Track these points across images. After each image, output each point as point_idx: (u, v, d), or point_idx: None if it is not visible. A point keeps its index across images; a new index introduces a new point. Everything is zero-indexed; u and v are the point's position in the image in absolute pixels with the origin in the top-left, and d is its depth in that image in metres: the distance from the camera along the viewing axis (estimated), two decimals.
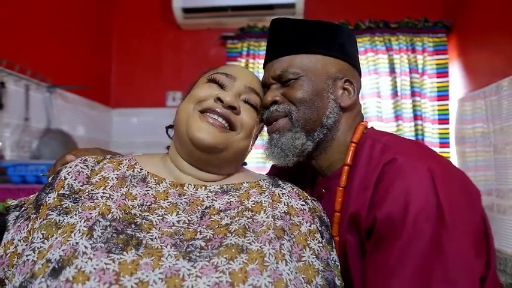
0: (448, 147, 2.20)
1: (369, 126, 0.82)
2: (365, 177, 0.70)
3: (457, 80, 2.19)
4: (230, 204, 0.67)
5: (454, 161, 2.18)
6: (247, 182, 0.72)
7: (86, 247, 0.54)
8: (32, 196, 0.71)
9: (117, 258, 0.53)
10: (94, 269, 0.51)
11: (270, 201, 0.68)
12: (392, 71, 2.26)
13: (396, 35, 2.26)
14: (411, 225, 0.59)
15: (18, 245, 0.62)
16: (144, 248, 0.56)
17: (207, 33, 2.51)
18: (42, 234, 0.59)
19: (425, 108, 2.24)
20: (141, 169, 0.71)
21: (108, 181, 0.67)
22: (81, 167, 0.69)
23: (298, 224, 0.66)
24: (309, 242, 0.64)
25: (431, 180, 0.62)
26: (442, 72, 2.26)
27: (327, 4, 2.39)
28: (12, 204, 0.70)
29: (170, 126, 0.81)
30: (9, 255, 0.61)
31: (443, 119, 2.23)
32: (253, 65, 2.34)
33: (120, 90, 2.58)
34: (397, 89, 2.25)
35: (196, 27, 2.49)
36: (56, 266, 0.52)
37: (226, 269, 0.54)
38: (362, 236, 0.67)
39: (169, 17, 2.45)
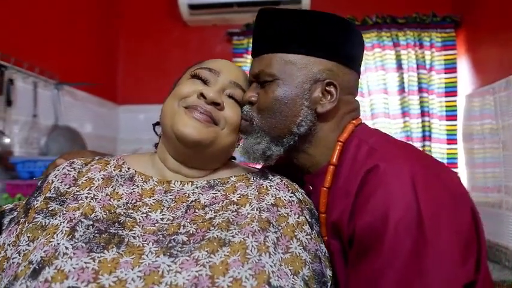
0: (456, 143, 2.18)
1: (362, 123, 0.77)
2: (347, 182, 0.67)
3: (465, 76, 2.16)
4: (215, 199, 0.66)
5: (462, 158, 2.16)
6: (234, 176, 0.72)
7: (66, 247, 0.54)
8: (24, 200, 0.71)
9: (97, 257, 0.53)
10: (73, 268, 0.51)
11: (257, 193, 0.67)
12: (399, 67, 2.24)
13: (404, 31, 2.24)
14: (391, 237, 0.57)
15: (7, 250, 0.62)
16: (125, 246, 0.56)
17: (212, 29, 2.51)
18: (28, 237, 0.60)
19: (432, 104, 2.22)
20: (128, 168, 0.71)
21: (94, 182, 0.67)
22: (68, 170, 0.69)
23: (286, 215, 0.65)
24: (296, 234, 0.63)
25: (412, 187, 0.59)
26: (450, 68, 2.23)
27: (336, 5, 2.38)
28: (7, 208, 0.70)
29: (157, 123, 0.81)
30: (0, 259, 0.62)
31: (451, 116, 2.20)
32: None
33: (126, 87, 2.60)
34: (404, 85, 2.23)
35: (202, 24, 2.49)
36: (37, 267, 0.52)
37: (206, 262, 0.53)
38: (344, 243, 0.66)
39: (175, 13, 2.45)
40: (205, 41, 2.54)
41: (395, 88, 2.25)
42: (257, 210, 0.63)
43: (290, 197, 0.69)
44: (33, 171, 1.52)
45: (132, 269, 0.52)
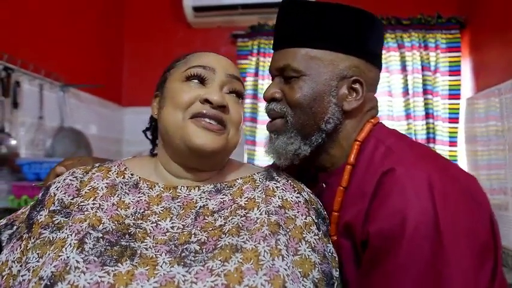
0: (456, 146, 2.17)
1: (379, 122, 0.76)
2: (363, 182, 0.66)
3: (469, 77, 2.15)
4: (223, 204, 0.65)
5: (463, 160, 2.15)
6: (241, 178, 0.70)
7: (77, 261, 0.53)
8: (20, 212, 0.69)
9: (112, 271, 0.52)
10: (88, 283, 0.50)
11: (264, 196, 0.66)
12: (403, 68, 2.23)
13: (408, 32, 2.23)
14: (408, 243, 0.56)
15: (12, 266, 0.61)
16: (138, 258, 0.55)
17: (217, 31, 2.51)
18: (38, 254, 0.58)
19: (437, 106, 2.21)
20: (132, 174, 0.69)
21: (98, 191, 0.65)
22: (70, 180, 0.67)
23: (293, 217, 0.64)
24: (304, 235, 0.62)
25: (429, 192, 0.58)
26: (455, 70, 2.22)
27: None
28: (2, 224, 0.68)
29: (147, 129, 0.80)
30: (5, 277, 0.61)
31: (453, 118, 2.19)
32: (263, 63, 2.34)
33: (131, 89, 2.61)
34: (408, 87, 2.22)
35: (206, 26, 2.50)
36: (48, 283, 0.51)
37: (221, 271, 0.53)
38: (357, 244, 0.65)
39: (180, 15, 2.46)
40: (209, 42, 2.55)
41: (400, 90, 2.24)
42: (265, 213, 0.62)
43: (296, 197, 0.67)
44: (39, 173, 1.53)
45: (148, 280, 0.52)
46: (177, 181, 0.69)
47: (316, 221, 0.66)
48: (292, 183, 0.71)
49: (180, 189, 0.67)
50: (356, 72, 0.71)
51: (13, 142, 1.56)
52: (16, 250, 0.61)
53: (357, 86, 0.71)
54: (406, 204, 0.58)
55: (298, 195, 0.68)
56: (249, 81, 2.38)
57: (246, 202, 0.65)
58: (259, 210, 0.63)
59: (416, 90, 2.22)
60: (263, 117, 2.37)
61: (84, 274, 0.51)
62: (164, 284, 0.51)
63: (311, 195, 0.71)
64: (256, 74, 2.37)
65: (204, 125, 0.64)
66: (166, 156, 0.70)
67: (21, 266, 0.60)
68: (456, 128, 2.19)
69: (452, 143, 2.18)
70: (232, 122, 0.68)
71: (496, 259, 0.59)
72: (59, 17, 1.92)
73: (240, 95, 0.71)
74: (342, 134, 0.73)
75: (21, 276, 0.57)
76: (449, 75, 2.22)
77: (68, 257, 0.53)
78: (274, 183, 0.69)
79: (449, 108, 2.21)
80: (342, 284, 0.67)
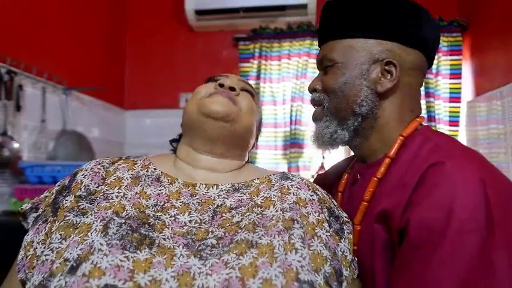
0: None
1: (426, 125, 0.77)
2: (405, 175, 0.64)
3: (470, 81, 2.15)
4: (241, 202, 0.68)
5: None
6: (258, 179, 0.73)
7: (101, 244, 0.55)
8: (44, 195, 0.72)
9: (131, 257, 0.54)
10: (110, 264, 0.52)
11: (279, 194, 0.68)
12: None
13: None
14: (454, 236, 0.53)
15: (37, 248, 0.63)
16: (157, 247, 0.57)
17: (219, 34, 2.52)
18: (60, 235, 0.61)
19: (438, 109, 2.21)
20: (155, 169, 0.73)
21: (123, 181, 0.69)
22: (98, 168, 0.71)
23: (307, 214, 0.66)
24: (317, 231, 0.64)
25: (483, 190, 0.55)
26: (456, 73, 2.22)
27: None
28: (27, 207, 0.70)
29: (174, 140, 0.87)
30: (29, 257, 0.62)
31: (453, 121, 2.19)
32: (265, 66, 2.35)
33: (134, 92, 2.62)
34: None
35: (208, 29, 2.51)
36: (74, 264, 0.53)
37: (236, 264, 0.54)
38: (392, 235, 0.63)
39: (182, 19, 2.47)
40: (211, 46, 2.56)
41: None
42: (281, 210, 0.64)
43: (311, 195, 0.69)
44: (41, 176, 1.54)
45: (166, 270, 0.54)
46: (196, 173, 0.73)
47: (328, 219, 0.67)
48: (306, 183, 0.73)
49: (199, 187, 0.70)
50: (389, 55, 0.73)
51: (16, 145, 1.56)
52: (41, 232, 0.64)
53: (391, 67, 0.73)
54: (455, 197, 0.55)
55: (313, 193, 0.70)
56: (251, 84, 2.38)
57: (263, 201, 0.67)
58: (275, 208, 0.65)
59: None
60: (264, 120, 2.37)
61: (107, 256, 0.53)
62: (181, 274, 0.53)
63: (325, 194, 0.73)
64: (258, 77, 2.37)
65: (216, 95, 0.74)
66: (186, 146, 0.77)
67: (44, 247, 0.62)
68: (457, 131, 2.19)
69: None
70: (243, 105, 0.76)
71: None
72: (62, 21, 1.93)
73: (251, 94, 0.81)
74: (381, 121, 0.74)
75: (45, 255, 0.59)
76: (450, 79, 2.22)
77: (92, 241, 0.56)
78: (289, 182, 0.71)
79: (450, 112, 2.21)
80: (370, 276, 0.66)
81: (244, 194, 0.69)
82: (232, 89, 0.76)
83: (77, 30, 2.05)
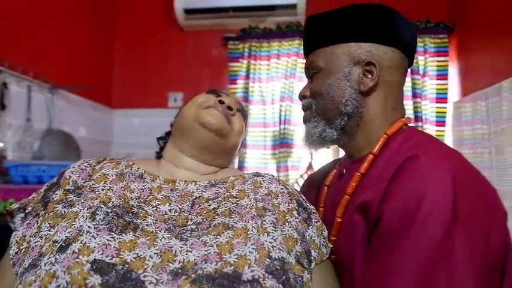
0: None
1: (411, 125, 0.81)
2: (385, 169, 0.68)
3: (456, 82, 2.19)
4: (218, 194, 0.74)
5: None
6: (233, 176, 0.80)
7: (89, 227, 0.60)
8: (32, 196, 0.74)
9: (117, 238, 0.59)
10: (97, 244, 0.57)
11: (252, 187, 0.75)
12: None
13: None
14: (420, 225, 0.56)
15: (30, 241, 0.65)
16: (140, 231, 0.62)
17: (208, 34, 2.51)
18: (49, 223, 0.64)
19: (425, 110, 2.24)
20: (138, 168, 0.79)
21: (108, 177, 0.74)
22: (84, 166, 0.76)
23: (278, 204, 0.72)
24: (287, 218, 0.70)
25: (452, 185, 0.58)
26: (442, 74, 2.25)
27: (328, 6, 2.40)
28: (15, 207, 0.72)
29: (161, 138, 0.92)
30: (23, 250, 0.65)
31: (440, 121, 2.23)
32: (254, 66, 2.35)
33: (121, 91, 2.59)
34: None
35: (197, 28, 2.50)
36: (63, 244, 0.58)
37: (214, 242, 0.60)
38: (370, 225, 0.66)
39: (171, 18, 2.46)
40: (201, 45, 2.55)
41: None
42: (254, 200, 0.71)
43: (281, 188, 0.76)
44: (26, 176, 1.51)
45: (149, 249, 0.59)
46: (177, 171, 0.79)
47: (297, 208, 0.74)
48: (277, 178, 0.80)
49: (179, 183, 0.76)
50: (368, 55, 0.78)
51: (0, 144, 1.53)
52: (33, 226, 0.67)
53: (371, 67, 0.77)
54: (426, 188, 0.58)
55: (283, 187, 0.77)
56: (240, 84, 2.38)
57: (237, 193, 0.74)
58: (249, 199, 0.72)
59: (405, 93, 2.23)
60: (253, 120, 2.37)
61: (95, 238, 0.58)
62: (163, 251, 0.59)
63: (294, 189, 0.79)
64: (247, 77, 2.37)
65: (215, 109, 0.79)
66: (175, 149, 0.82)
67: (36, 238, 0.65)
68: (443, 131, 2.22)
69: None
70: (236, 125, 0.83)
71: (503, 279, 0.59)
72: (48, 19, 1.90)
73: (244, 116, 0.88)
74: (366, 118, 0.78)
75: (34, 243, 0.63)
76: (437, 79, 2.26)
77: (80, 225, 0.61)
78: (262, 178, 0.78)
79: (437, 112, 2.24)
80: (349, 266, 0.69)
81: (221, 188, 0.75)
82: (230, 108, 0.82)
83: (64, 28, 2.02)
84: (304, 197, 0.79)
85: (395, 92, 0.80)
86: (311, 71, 0.84)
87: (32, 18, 1.78)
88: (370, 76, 0.77)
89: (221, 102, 0.81)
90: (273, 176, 0.80)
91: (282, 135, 2.33)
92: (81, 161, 0.77)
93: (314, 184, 0.95)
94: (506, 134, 1.63)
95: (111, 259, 0.55)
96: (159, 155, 0.89)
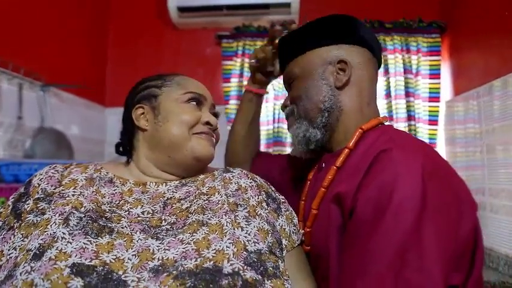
0: (436, 147, 2.22)
1: (389, 124, 0.85)
2: (360, 162, 0.71)
3: (448, 81, 2.20)
4: (189, 193, 0.75)
5: None
6: (202, 174, 0.83)
7: (63, 233, 0.60)
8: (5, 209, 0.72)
9: (94, 241, 0.59)
10: (74, 248, 0.57)
11: (222, 183, 0.77)
12: (386, 71, 2.27)
13: (391, 35, 2.27)
14: (393, 214, 0.60)
15: (8, 254, 0.63)
16: (116, 234, 0.63)
17: (202, 32, 2.50)
18: (22, 234, 0.64)
19: (418, 109, 2.26)
20: (107, 172, 0.78)
21: (78, 182, 0.73)
22: (52, 173, 0.75)
23: (248, 199, 0.74)
24: (257, 211, 0.72)
25: (421, 175, 0.61)
26: (435, 73, 2.27)
27: (322, 4, 2.40)
28: None
29: (123, 136, 0.88)
30: (1, 266, 0.63)
31: (433, 120, 2.24)
32: (248, 64, 2.34)
33: (115, 90, 2.57)
34: (390, 90, 2.26)
35: (191, 27, 2.49)
36: (37, 252, 0.57)
37: (191, 240, 0.61)
38: (345, 215, 0.69)
39: (165, 16, 2.44)
40: (194, 43, 2.54)
41: (382, 92, 2.27)
42: (225, 195, 0.73)
43: (250, 182, 0.79)
44: (17, 174, 1.50)
45: (127, 251, 0.59)
46: (147, 178, 0.79)
47: (266, 199, 0.77)
48: (245, 173, 0.83)
49: (149, 185, 0.77)
50: (339, 55, 0.85)
51: None
52: (9, 239, 0.65)
53: (343, 65, 0.84)
54: (397, 178, 0.62)
55: (251, 181, 0.80)
56: (234, 82, 2.38)
57: (208, 190, 0.76)
58: (220, 194, 0.74)
59: (398, 92, 2.26)
60: None
61: (71, 244, 0.58)
62: (141, 251, 0.60)
63: (263, 181, 0.83)
64: (241, 75, 2.37)
65: (206, 140, 0.81)
66: (148, 163, 0.80)
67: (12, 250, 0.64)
68: (435, 130, 2.23)
69: (432, 144, 2.22)
70: (216, 139, 0.87)
71: (473, 264, 0.63)
72: (41, 15, 1.87)
73: (217, 117, 0.90)
74: (344, 111, 0.83)
75: (8, 255, 0.62)
76: (430, 78, 2.27)
77: (54, 232, 0.60)
78: (231, 174, 0.81)
79: (429, 111, 2.26)
80: (324, 256, 0.72)
81: (191, 187, 0.77)
82: (214, 128, 0.84)
83: (56, 25, 2.00)
84: (273, 188, 0.83)
85: (369, 86, 0.86)
86: (289, 80, 0.90)
87: (23, 14, 1.76)
88: (342, 73, 0.83)
89: (208, 123, 0.82)
90: (242, 171, 0.83)
91: (276, 133, 2.33)
92: (48, 168, 0.76)
93: (298, 162, 1.01)
94: (497, 133, 1.65)
95: (90, 261, 0.56)
96: (126, 158, 0.86)
